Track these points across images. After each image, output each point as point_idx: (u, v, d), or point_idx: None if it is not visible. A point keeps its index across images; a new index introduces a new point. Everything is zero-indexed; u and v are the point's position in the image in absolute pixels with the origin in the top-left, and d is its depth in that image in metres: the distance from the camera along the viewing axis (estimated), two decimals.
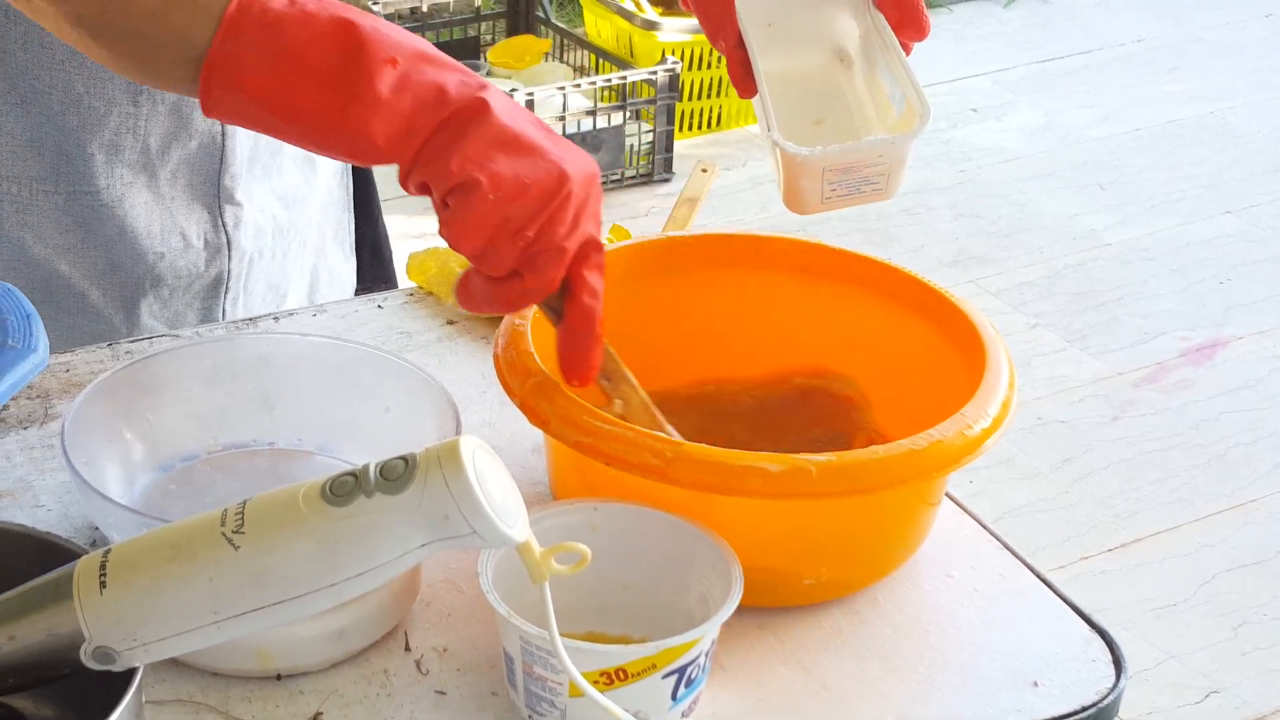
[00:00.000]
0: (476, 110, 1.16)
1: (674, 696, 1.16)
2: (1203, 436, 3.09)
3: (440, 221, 1.19)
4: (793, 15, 1.45)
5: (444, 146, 1.17)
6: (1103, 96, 4.29)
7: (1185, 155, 4.01)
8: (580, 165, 1.18)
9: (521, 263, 1.18)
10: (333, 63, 1.16)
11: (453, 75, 1.18)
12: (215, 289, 1.72)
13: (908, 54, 1.39)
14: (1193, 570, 2.75)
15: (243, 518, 0.99)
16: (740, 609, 1.16)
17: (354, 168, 1.90)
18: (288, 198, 1.77)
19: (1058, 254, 3.61)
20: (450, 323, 1.64)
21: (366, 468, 0.99)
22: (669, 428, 1.35)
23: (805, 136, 1.38)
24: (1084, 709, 1.24)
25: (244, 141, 1.68)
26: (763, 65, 1.41)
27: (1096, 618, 1.31)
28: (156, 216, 1.67)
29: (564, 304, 1.23)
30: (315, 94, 1.17)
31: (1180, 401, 3.17)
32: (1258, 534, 2.85)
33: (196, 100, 1.52)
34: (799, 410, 1.49)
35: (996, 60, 4.47)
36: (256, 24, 1.15)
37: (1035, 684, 1.26)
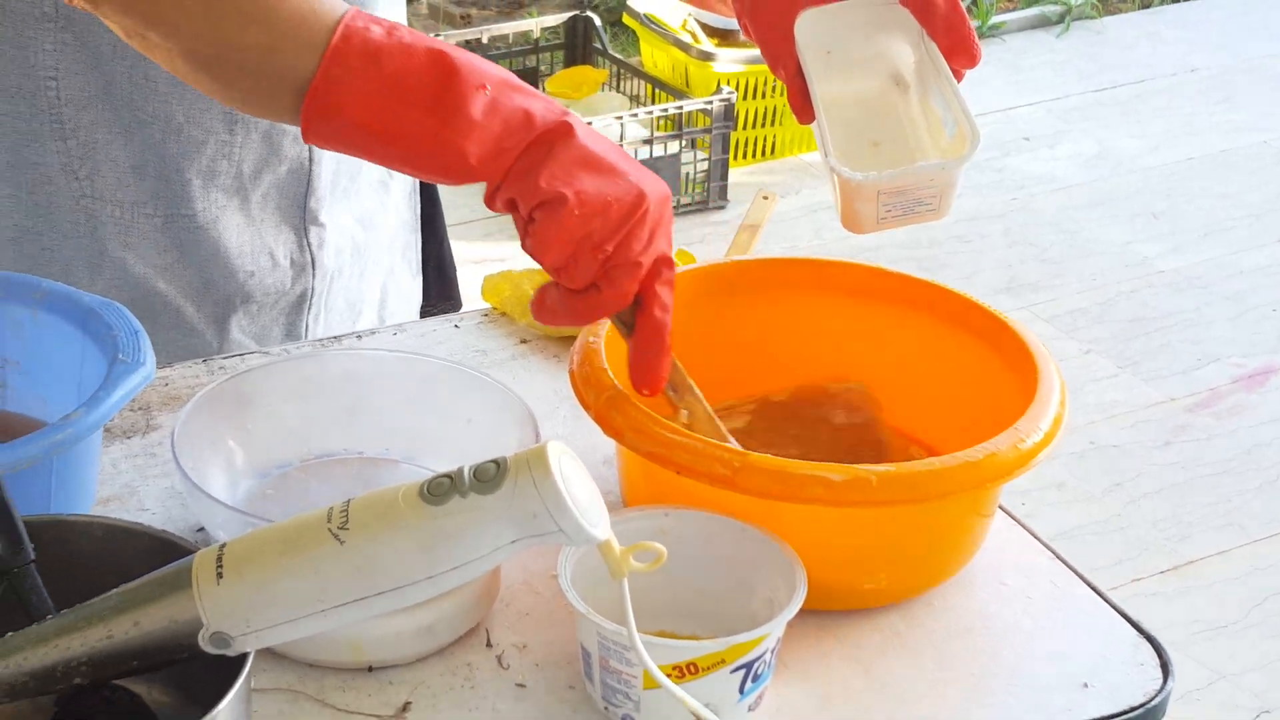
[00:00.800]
0: (562, 132, 1.21)
1: (741, 690, 1.20)
2: (1255, 461, 3.09)
3: (524, 235, 1.23)
4: (849, 43, 1.46)
5: (532, 165, 1.21)
6: (1155, 125, 4.28)
7: (1237, 184, 4.00)
8: (656, 186, 1.24)
9: (599, 276, 1.23)
10: (429, 89, 1.21)
11: (537, 101, 1.23)
12: (299, 305, 1.76)
13: (959, 81, 1.41)
14: (1244, 593, 2.76)
15: (347, 515, 1.05)
16: (802, 611, 1.21)
17: (422, 192, 1.92)
18: (365, 219, 1.80)
19: (1110, 281, 3.60)
20: (523, 342, 1.66)
21: (461, 470, 1.05)
22: (730, 438, 1.38)
23: (861, 160, 1.41)
24: (1132, 709, 1.28)
25: (328, 167, 1.72)
26: (820, 91, 1.43)
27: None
28: (247, 237, 1.70)
29: (636, 317, 1.28)
30: (412, 118, 1.22)
31: (1233, 427, 3.17)
32: None
33: (286, 128, 1.61)
34: (846, 424, 1.51)
35: (1050, 89, 4.46)
36: (358, 54, 1.21)
37: (1085, 685, 1.30)
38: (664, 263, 1.26)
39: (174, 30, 1.28)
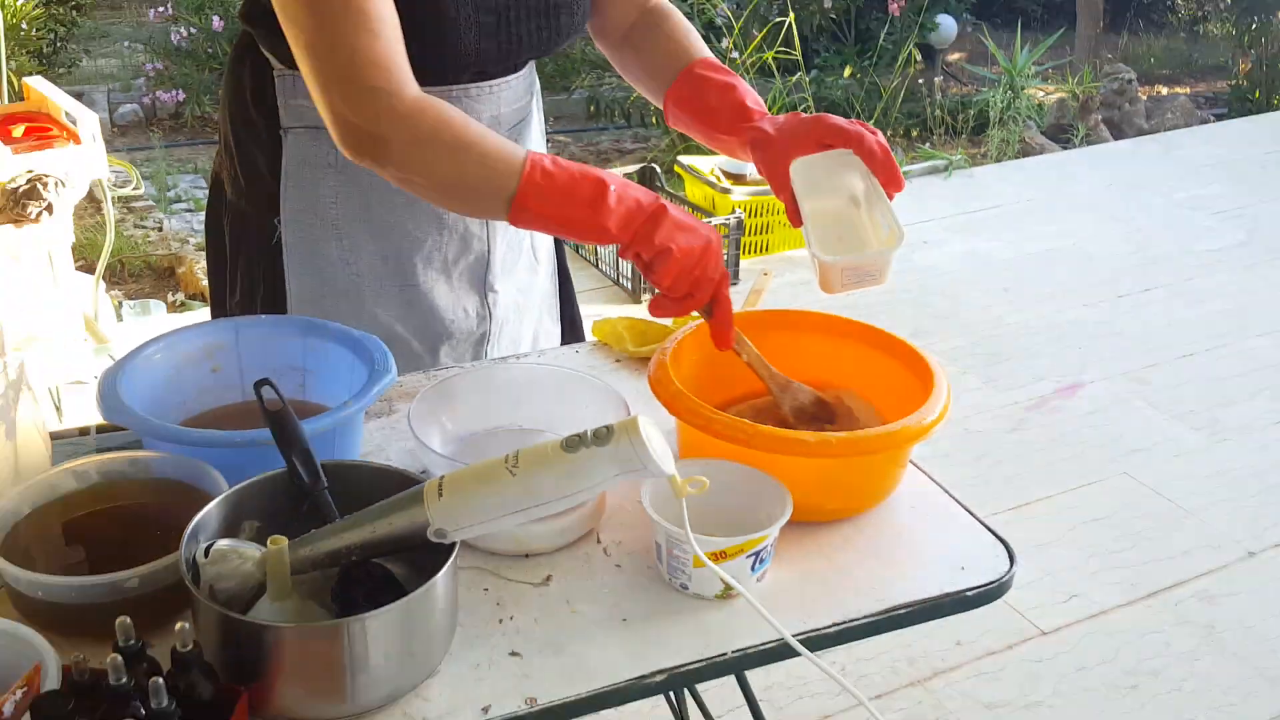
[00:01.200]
0: (660, 211, 1.25)
1: (752, 569, 1.22)
2: (1067, 441, 3.10)
3: (646, 273, 1.28)
4: (823, 178, 1.43)
5: (648, 232, 1.25)
6: (1004, 235, 4.30)
7: (1056, 270, 4.02)
8: (714, 234, 1.29)
9: (691, 288, 1.27)
10: (585, 192, 1.25)
11: (643, 193, 1.27)
12: (481, 342, 1.72)
13: (891, 200, 1.40)
14: (1062, 523, 2.78)
15: (517, 460, 1.08)
16: (790, 522, 1.23)
17: (559, 272, 1.88)
18: (522, 288, 1.76)
19: (977, 330, 3.62)
20: (617, 361, 1.66)
21: (585, 432, 1.07)
22: (772, 369, 1.44)
23: (831, 249, 1.41)
24: (990, 583, 1.29)
25: (498, 255, 1.68)
26: (805, 207, 1.42)
27: None
28: (450, 300, 1.67)
29: (713, 309, 1.32)
30: (574, 209, 1.26)
31: (1053, 420, 3.18)
32: (1106, 501, 2.85)
33: (475, 230, 1.62)
34: (816, 408, 1.48)
35: (939, 212, 4.47)
36: (540, 176, 1.25)
37: (962, 569, 1.30)
38: (724, 277, 1.30)
39: (430, 177, 1.30)
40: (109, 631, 1.00)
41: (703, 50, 1.56)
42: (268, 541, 1.08)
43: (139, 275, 4.37)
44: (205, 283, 4.00)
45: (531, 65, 1.64)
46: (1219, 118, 6.26)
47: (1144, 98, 6.31)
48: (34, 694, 0.94)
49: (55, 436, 1.34)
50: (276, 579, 1.08)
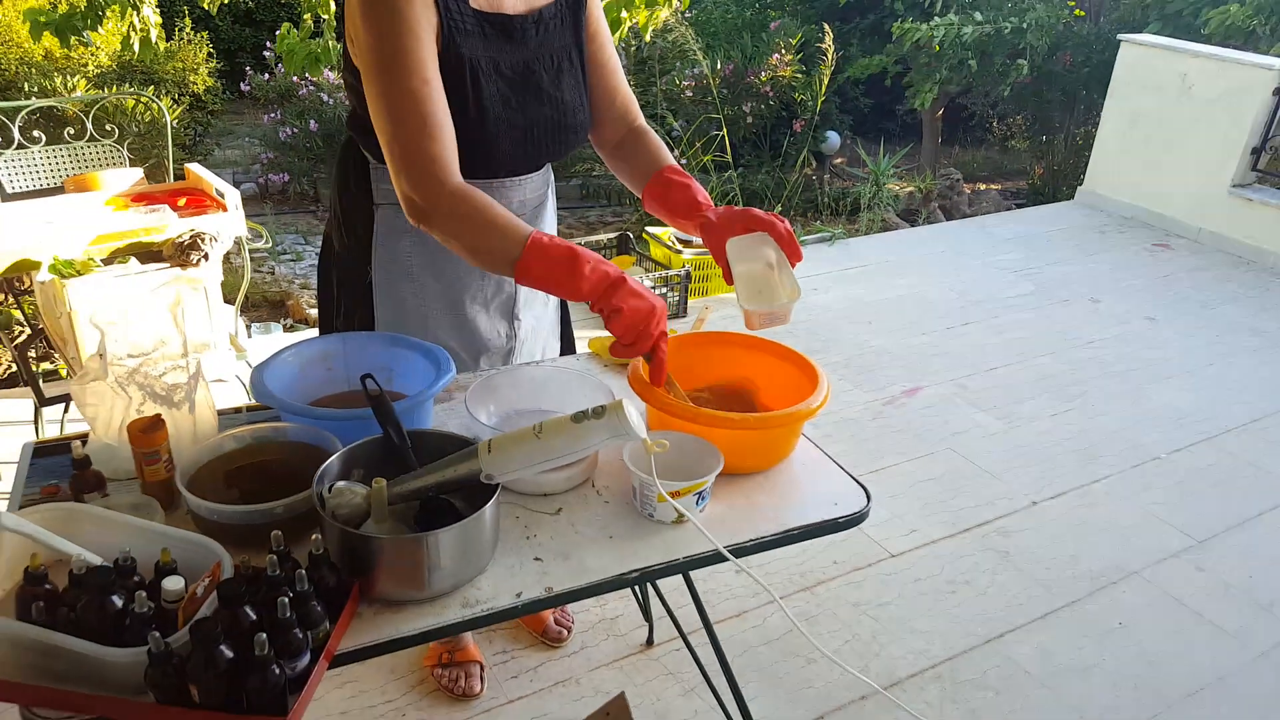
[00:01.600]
0: (620, 281, 1.23)
1: (697, 504, 1.24)
2: (910, 425, 3.05)
3: (607, 323, 1.24)
4: (748, 251, 1.41)
5: (609, 295, 1.22)
6: (869, 285, 4.23)
7: (905, 309, 3.97)
8: (660, 304, 1.25)
9: (637, 339, 1.23)
10: (566, 264, 1.23)
11: (611, 268, 1.24)
12: (509, 355, 1.68)
13: (794, 266, 1.39)
14: (906, 480, 2.75)
15: (541, 428, 1.11)
16: (721, 475, 1.27)
17: (561, 309, 1.84)
18: (537, 317, 1.72)
19: (850, 350, 3.57)
20: (604, 366, 1.65)
21: (587, 409, 1.10)
22: (689, 401, 1.39)
23: (753, 300, 1.40)
24: (854, 513, 1.30)
25: (522, 295, 1.64)
26: (735, 270, 1.41)
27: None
28: (488, 324, 1.63)
29: (652, 356, 1.27)
30: (559, 276, 1.24)
31: (901, 413, 3.13)
32: (935, 467, 2.83)
33: (508, 277, 1.54)
34: (740, 398, 1.50)
35: (826, 268, 4.40)
36: (537, 249, 1.23)
37: (835, 504, 1.31)
38: (662, 336, 1.26)
39: (462, 241, 1.28)
40: (262, 544, 1.05)
41: (669, 160, 1.54)
42: (372, 482, 1.11)
43: (259, 305, 4.34)
44: (309, 311, 4.00)
45: (549, 165, 1.62)
46: (1019, 206, 6.28)
47: (968, 192, 6.32)
48: (216, 581, 0.98)
49: (219, 412, 1.36)
50: (378, 507, 1.10)
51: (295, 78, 6.55)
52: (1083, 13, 6.46)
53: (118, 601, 0.95)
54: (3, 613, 0.98)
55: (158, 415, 1.15)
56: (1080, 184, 5.69)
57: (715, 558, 1.21)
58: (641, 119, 1.60)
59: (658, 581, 1.92)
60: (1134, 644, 2.21)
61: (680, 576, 1.48)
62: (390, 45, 1.26)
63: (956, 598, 2.32)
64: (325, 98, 6.49)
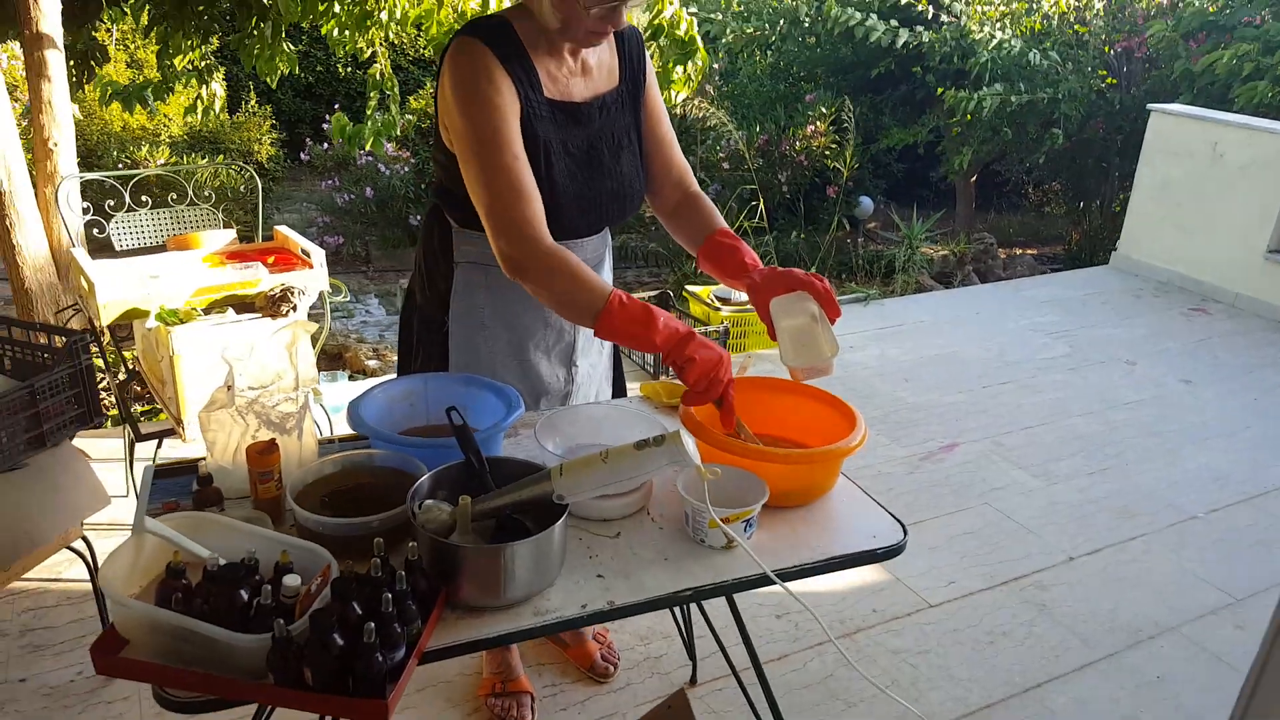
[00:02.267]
0: (690, 335, 1.35)
1: (745, 531, 1.34)
2: (948, 481, 3.08)
3: (679, 374, 1.36)
4: (792, 307, 1.48)
5: (681, 348, 1.34)
6: (904, 344, 4.30)
7: (940, 368, 4.02)
8: (726, 355, 1.37)
9: (709, 387, 1.35)
10: (642, 320, 1.35)
11: (680, 324, 1.36)
12: (566, 398, 1.79)
13: (833, 323, 1.48)
14: (944, 534, 2.79)
15: (607, 454, 1.23)
16: (767, 508, 1.37)
17: (614, 356, 1.93)
18: (592, 365, 1.83)
19: (887, 406, 3.63)
20: (656, 408, 1.75)
21: (649, 438, 1.22)
22: (756, 441, 1.48)
23: (798, 356, 1.48)
24: (892, 545, 1.38)
25: (580, 345, 1.76)
26: (780, 326, 1.49)
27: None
28: (548, 368, 1.74)
29: (722, 401, 1.38)
30: (636, 329, 1.36)
31: (940, 467, 3.17)
32: (973, 521, 2.87)
33: (566, 329, 1.72)
34: (784, 439, 1.57)
35: (862, 327, 4.47)
36: (617, 305, 1.36)
37: (874, 536, 1.40)
38: (730, 382, 1.37)
39: (552, 293, 1.41)
40: (358, 554, 1.18)
41: (721, 224, 1.65)
42: (458, 500, 1.24)
43: (318, 357, 4.54)
44: (368, 363, 4.19)
45: (607, 229, 1.76)
46: (1054, 270, 6.35)
47: (1002, 256, 6.45)
48: (328, 579, 1.11)
49: (320, 441, 1.50)
50: (462, 522, 1.23)
51: (350, 149, 6.87)
52: (1114, 80, 6.60)
53: (244, 595, 1.09)
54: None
55: (273, 439, 1.30)
56: (1115, 249, 5.78)
57: (762, 581, 1.31)
58: (695, 186, 1.75)
59: (709, 619, 1.99)
60: (1171, 697, 2.23)
61: (730, 617, 1.59)
62: (485, 129, 1.44)
63: (995, 648, 2.37)
64: (382, 168, 6.79)
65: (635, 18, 3.27)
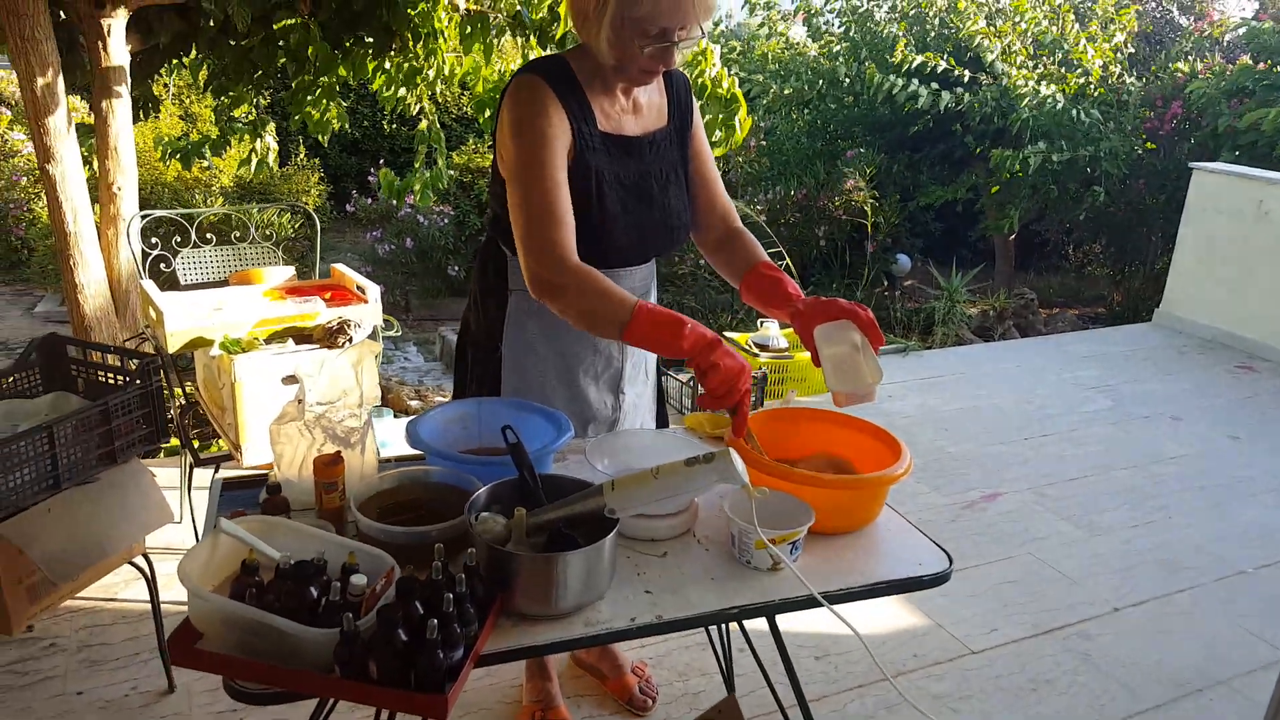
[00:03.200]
0: (717, 341, 1.39)
1: (790, 553, 1.37)
2: (990, 531, 3.08)
3: (700, 378, 1.40)
4: (834, 336, 1.52)
5: (707, 353, 1.38)
6: (944, 394, 4.31)
7: (980, 419, 4.02)
8: (747, 365, 1.41)
9: (728, 393, 1.39)
10: (669, 327, 1.40)
11: (706, 330, 1.41)
12: (614, 424, 1.84)
13: (876, 351, 1.52)
14: (987, 582, 2.78)
15: (658, 470, 1.28)
16: (813, 535, 1.40)
17: (657, 388, 1.98)
18: (639, 394, 1.88)
19: (928, 456, 3.63)
20: (702, 438, 1.76)
21: (699, 455, 1.27)
22: (764, 454, 1.50)
23: (841, 382, 1.52)
24: (937, 573, 1.40)
25: (627, 372, 1.82)
26: (824, 353, 1.53)
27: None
28: (596, 395, 1.79)
29: (736, 410, 1.42)
30: (663, 336, 1.41)
31: (982, 516, 3.17)
32: (1016, 570, 2.85)
33: (614, 355, 1.77)
34: (829, 467, 1.55)
35: (901, 377, 4.48)
36: (644, 314, 1.41)
37: (919, 564, 1.41)
38: (747, 393, 1.40)
39: (579, 310, 1.46)
40: (416, 562, 1.24)
41: (763, 257, 1.72)
42: (513, 513, 1.29)
43: None
44: (410, 403, 4.28)
45: (654, 259, 1.83)
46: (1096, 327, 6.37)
47: (1043, 315, 6.45)
48: (391, 580, 1.17)
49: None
50: (517, 533, 1.28)
51: (394, 202, 7.09)
52: (1154, 145, 6.65)
53: (314, 592, 1.15)
54: None
55: (338, 452, 1.38)
56: (1158, 306, 5.77)
57: (808, 603, 1.33)
58: (739, 222, 1.82)
59: (757, 653, 2.00)
60: None
61: (779, 657, 1.60)
62: (530, 155, 1.53)
63: (1037, 695, 2.36)
64: (422, 219, 6.98)
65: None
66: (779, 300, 1.65)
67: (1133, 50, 6.95)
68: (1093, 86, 6.54)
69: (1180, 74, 6.72)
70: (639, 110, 1.69)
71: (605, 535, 1.27)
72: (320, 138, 4.17)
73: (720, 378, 1.39)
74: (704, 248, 1.83)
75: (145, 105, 4.57)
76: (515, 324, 1.77)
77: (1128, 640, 2.60)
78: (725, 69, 3.65)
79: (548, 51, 3.79)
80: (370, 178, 7.92)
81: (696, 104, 1.79)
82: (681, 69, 1.78)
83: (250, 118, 4.27)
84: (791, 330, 3.45)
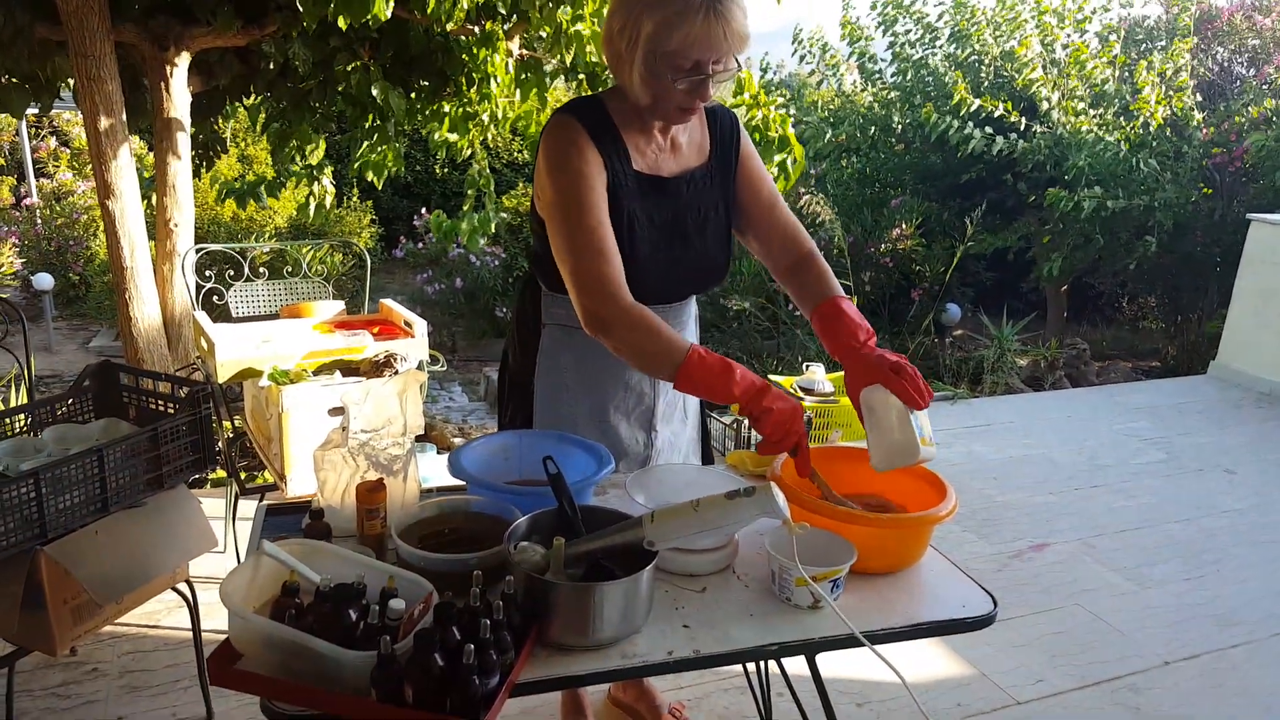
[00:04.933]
0: (766, 387, 1.40)
1: (831, 591, 1.35)
2: (1038, 581, 3.03)
3: (754, 426, 1.40)
4: (878, 398, 1.49)
5: (759, 399, 1.39)
6: (993, 442, 4.27)
7: (1030, 469, 3.97)
8: (799, 406, 1.41)
9: (785, 436, 1.39)
10: (721, 373, 1.41)
11: (756, 376, 1.42)
12: (648, 460, 1.83)
13: (920, 408, 1.48)
14: (1034, 632, 2.73)
15: (698, 504, 1.28)
16: (855, 574, 1.39)
17: (702, 427, 1.98)
18: (675, 433, 1.88)
19: (976, 504, 3.59)
20: (744, 476, 1.72)
21: (739, 489, 1.28)
22: (835, 495, 1.52)
23: (879, 459, 1.49)
24: (981, 615, 1.37)
25: (659, 410, 1.81)
26: (866, 423, 1.51)
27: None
28: (628, 433, 1.79)
29: (797, 450, 1.42)
30: (715, 381, 1.41)
31: (1030, 566, 3.12)
32: (1064, 621, 2.80)
33: (647, 391, 1.77)
34: (874, 508, 1.50)
35: (949, 425, 4.46)
36: (697, 358, 1.42)
37: (963, 605, 1.39)
38: (804, 434, 1.42)
39: (632, 348, 1.47)
40: (455, 589, 1.24)
41: (832, 290, 1.65)
42: (552, 542, 1.30)
43: None
44: (454, 440, 4.31)
45: (692, 297, 1.83)
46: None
47: (1095, 366, 6.35)
48: (429, 606, 1.18)
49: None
50: (556, 563, 1.28)
51: (444, 244, 7.22)
52: (1210, 190, 6.55)
53: (353, 615, 1.17)
54: None
55: (381, 479, 1.40)
56: (1214, 358, 5.66)
57: (848, 642, 1.31)
58: (808, 247, 1.75)
59: (799, 699, 1.97)
60: None
61: (819, 703, 1.57)
62: (573, 197, 1.54)
63: None
64: (473, 259, 7.09)
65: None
66: (838, 349, 1.59)
67: (1197, 99, 6.88)
68: (1152, 136, 6.48)
69: (1247, 119, 6.61)
70: (677, 149, 1.69)
71: (644, 567, 1.27)
72: (375, 181, 4.26)
73: (774, 422, 1.39)
74: (776, 275, 1.78)
75: (210, 149, 4.73)
76: (549, 357, 1.79)
77: (1178, 694, 2.53)
78: (772, 109, 3.66)
79: None
80: (418, 221, 8.08)
81: (746, 137, 1.78)
82: (730, 107, 1.80)
83: (313, 160, 4.38)
84: (838, 375, 3.46)
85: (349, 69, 3.57)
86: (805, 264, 1.72)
